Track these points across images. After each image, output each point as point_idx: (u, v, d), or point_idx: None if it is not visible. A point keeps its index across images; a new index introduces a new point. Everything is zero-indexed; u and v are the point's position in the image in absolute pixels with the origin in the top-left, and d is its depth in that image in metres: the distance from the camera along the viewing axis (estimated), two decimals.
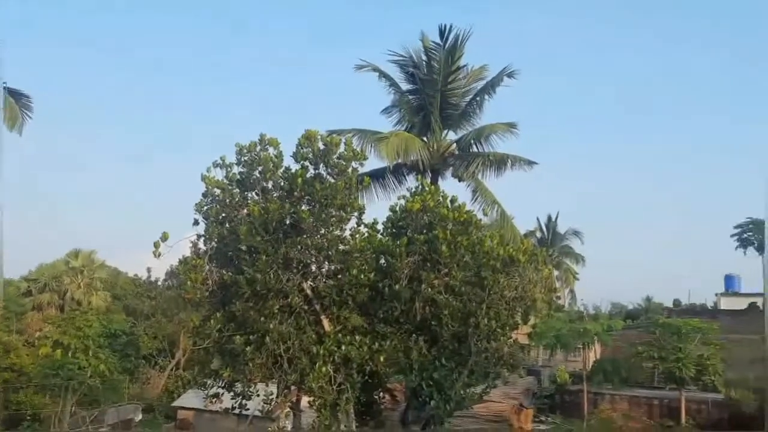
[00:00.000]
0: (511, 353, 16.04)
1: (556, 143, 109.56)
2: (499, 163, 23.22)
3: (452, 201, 14.93)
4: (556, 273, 45.29)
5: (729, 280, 49.34)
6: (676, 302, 61.06)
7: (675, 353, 23.76)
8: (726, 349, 25.97)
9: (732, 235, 31.16)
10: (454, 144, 23.90)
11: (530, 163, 23.50)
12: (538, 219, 47.95)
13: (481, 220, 15.98)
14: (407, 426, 15.92)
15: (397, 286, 13.46)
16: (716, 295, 50.92)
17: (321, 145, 13.94)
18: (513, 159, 23.28)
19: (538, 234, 47.17)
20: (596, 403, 28.02)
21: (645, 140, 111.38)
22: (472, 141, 23.57)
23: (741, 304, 42.03)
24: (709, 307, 52.24)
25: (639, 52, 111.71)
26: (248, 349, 12.89)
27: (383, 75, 22.87)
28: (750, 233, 30.28)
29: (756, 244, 30.20)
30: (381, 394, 15.86)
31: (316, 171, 13.90)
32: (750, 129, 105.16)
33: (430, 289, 13.60)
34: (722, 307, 46.27)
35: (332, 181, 13.85)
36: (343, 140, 14.32)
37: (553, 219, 47.49)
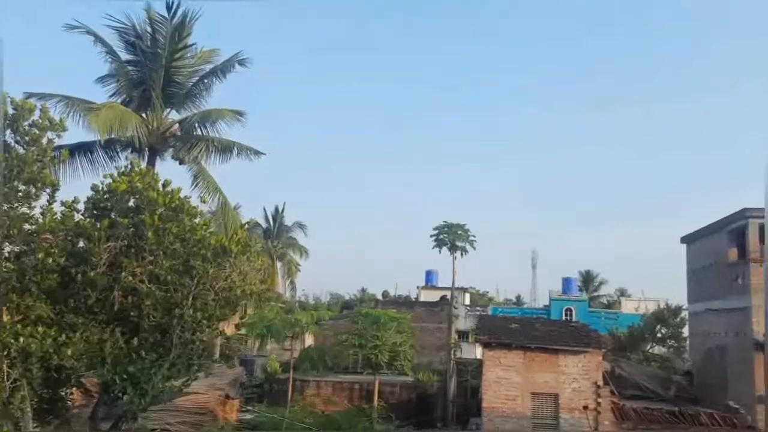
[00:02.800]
0: (227, 345, 15.72)
1: (291, 136, 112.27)
2: (225, 149, 22.72)
3: (165, 184, 14.19)
4: (279, 264, 46.05)
5: (428, 274, 55.25)
6: (385, 293, 66.85)
7: (373, 341, 25.78)
8: (416, 336, 29.01)
9: (431, 236, 34.67)
10: (177, 124, 22.77)
11: (257, 153, 23.39)
12: (264, 210, 48.00)
13: (197, 207, 15.47)
14: (96, 423, 14.82)
15: (92, 273, 12.40)
16: (418, 287, 56.66)
17: (10, 109, 12.17)
18: (239, 147, 22.95)
19: (264, 225, 47.25)
20: (303, 389, 29.28)
21: (370, 143, 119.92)
22: (197, 124, 22.70)
23: (436, 296, 47.34)
24: (412, 299, 58.08)
25: (379, 53, 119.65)
26: None
27: (99, 40, 20.77)
28: (445, 235, 34.04)
29: (449, 244, 34.04)
30: (70, 390, 14.47)
31: (2, 139, 12.09)
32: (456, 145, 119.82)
33: (131, 278, 12.79)
34: (422, 299, 51.63)
35: (21, 151, 12.20)
36: (39, 106, 12.69)
37: (280, 210, 47.97)
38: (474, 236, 34.33)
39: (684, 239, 29.62)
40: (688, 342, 33.07)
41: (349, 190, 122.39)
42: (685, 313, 33.91)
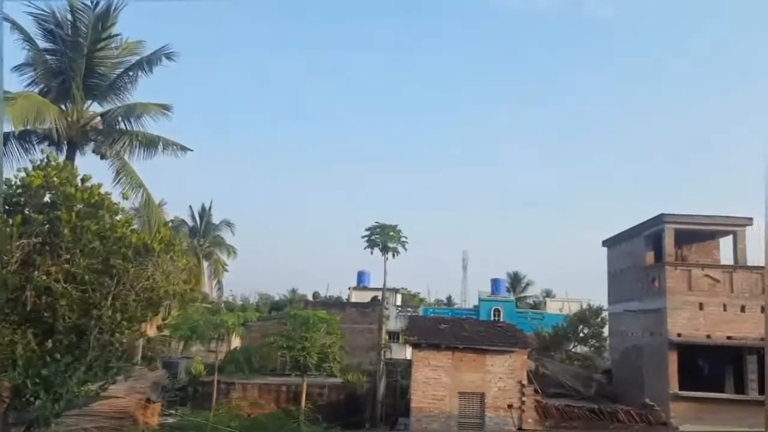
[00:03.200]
0: (148, 347, 15.22)
1: (218, 133, 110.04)
2: (150, 144, 21.96)
3: (84, 180, 13.59)
4: (205, 264, 44.99)
5: (360, 275, 55.37)
6: (316, 294, 66.47)
7: (302, 342, 25.48)
8: (346, 337, 28.91)
9: (363, 237, 34.79)
10: (99, 117, 21.84)
11: (184, 148, 22.76)
12: (191, 207, 46.71)
13: (119, 203, 14.91)
14: (6, 428, 14.03)
15: (3, 272, 11.72)
16: (349, 288, 56.63)
17: None
18: (165, 142, 22.27)
19: (191, 223, 46.04)
20: (228, 392, 28.68)
21: (305, 143, 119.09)
22: (121, 117, 21.85)
23: (367, 297, 47.44)
24: (344, 300, 57.98)
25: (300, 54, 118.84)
26: None
27: (16, 26, 19.64)
28: (377, 236, 34.22)
29: (381, 245, 34.24)
30: None
31: None
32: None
33: (45, 277, 12.16)
34: (353, 300, 51.63)
35: None
36: None
37: (207, 208, 46.83)
38: (406, 237, 34.69)
39: (605, 243, 30.77)
40: (608, 341, 34.36)
41: (281, 189, 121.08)
42: (605, 314, 35.26)
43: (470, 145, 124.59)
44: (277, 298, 71.63)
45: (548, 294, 67.34)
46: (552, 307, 57.54)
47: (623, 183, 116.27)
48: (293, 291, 73.89)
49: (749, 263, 24.32)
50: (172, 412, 25.73)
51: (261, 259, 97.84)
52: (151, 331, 19.11)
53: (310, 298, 61.54)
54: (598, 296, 36.65)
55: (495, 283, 57.20)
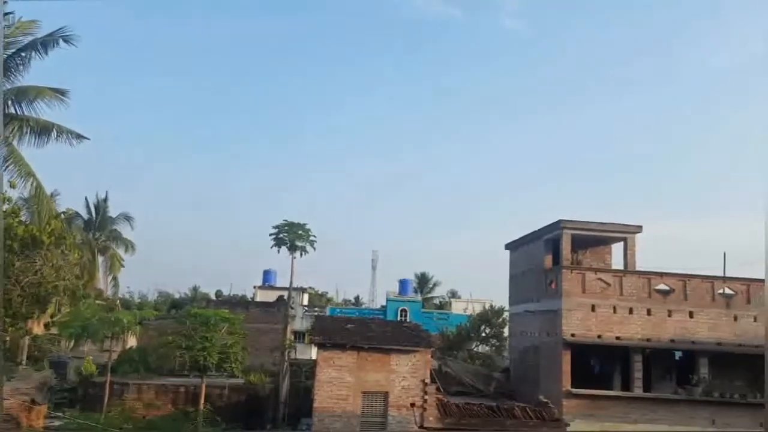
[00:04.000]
0: (36, 346, 14.28)
1: (116, 122, 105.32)
2: (42, 131, 20.64)
3: None
4: (101, 259, 42.82)
5: (267, 274, 54.52)
6: (219, 293, 64.95)
7: (202, 342, 24.70)
8: (250, 337, 28.30)
9: (270, 234, 34.29)
10: None
11: (80, 136, 21.56)
12: (86, 199, 44.17)
13: (5, 192, 13.92)
14: None
15: None
16: (254, 287, 55.59)
17: None
18: (59, 129, 21.00)
19: (86, 215, 43.59)
20: (122, 393, 27.38)
21: (210, 137, 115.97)
22: (12, 101, 20.40)
23: (274, 296, 46.71)
24: (249, 299, 56.83)
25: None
26: None
27: None
28: (285, 234, 33.80)
29: (288, 244, 33.84)
30: None
31: None
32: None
33: None
34: (258, 299, 50.70)
35: None
36: None
37: (103, 200, 44.45)
38: (314, 236, 34.44)
39: (508, 246, 31.81)
40: (508, 341, 35.55)
41: (186, 184, 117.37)
42: (506, 315, 36.47)
43: (380, 145, 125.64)
44: (177, 296, 69.38)
45: (454, 295, 68.92)
46: (457, 308, 58.92)
47: (527, 188, 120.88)
48: (195, 289, 71.94)
49: (638, 268, 25.86)
50: (60, 414, 24.24)
51: (162, 256, 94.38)
52: (38, 329, 17.99)
53: (212, 296, 60.05)
54: (501, 297, 37.87)
55: (403, 283, 57.98)
